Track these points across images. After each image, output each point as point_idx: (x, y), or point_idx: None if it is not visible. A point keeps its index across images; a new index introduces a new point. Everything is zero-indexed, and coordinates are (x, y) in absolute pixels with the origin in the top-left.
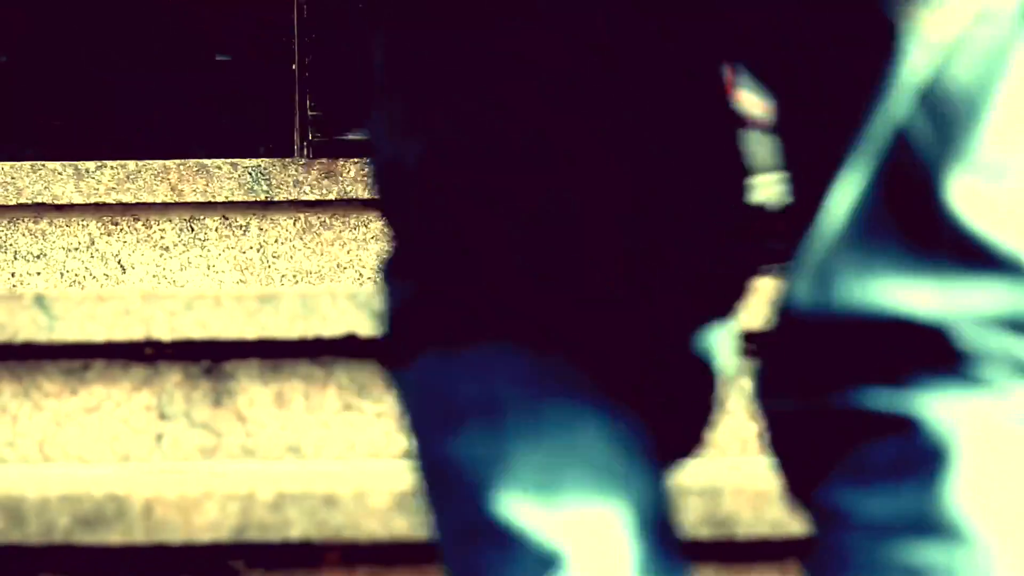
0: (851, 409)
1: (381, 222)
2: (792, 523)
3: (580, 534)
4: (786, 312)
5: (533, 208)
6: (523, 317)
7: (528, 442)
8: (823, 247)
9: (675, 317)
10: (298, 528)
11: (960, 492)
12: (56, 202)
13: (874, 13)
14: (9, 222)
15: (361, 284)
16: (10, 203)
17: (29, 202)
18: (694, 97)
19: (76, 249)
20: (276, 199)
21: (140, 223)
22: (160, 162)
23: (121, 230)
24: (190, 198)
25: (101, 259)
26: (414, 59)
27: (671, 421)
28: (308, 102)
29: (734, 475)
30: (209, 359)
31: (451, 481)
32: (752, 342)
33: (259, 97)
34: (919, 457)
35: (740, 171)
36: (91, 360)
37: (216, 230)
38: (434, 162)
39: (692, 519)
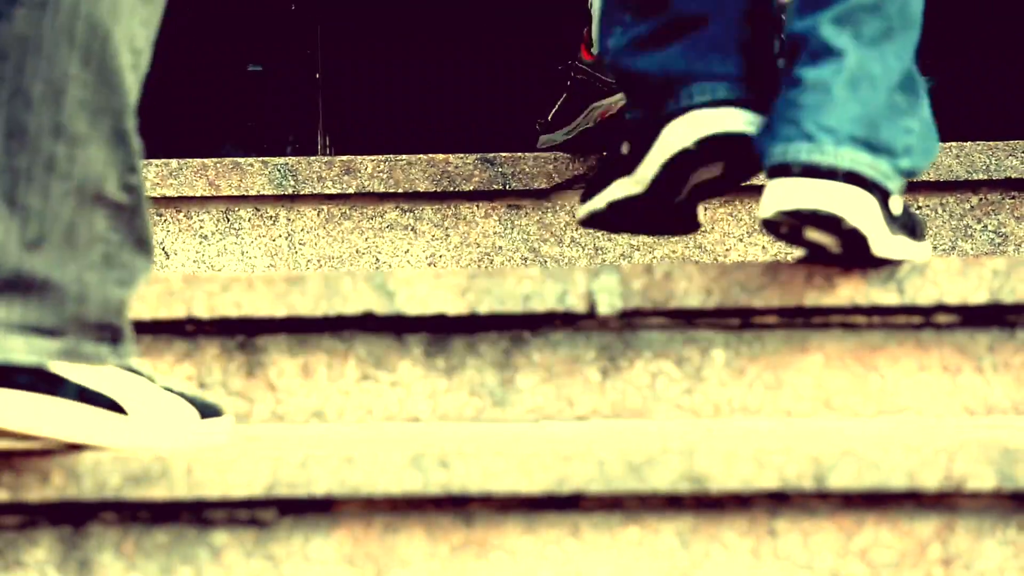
0: None
1: (395, 213)
2: (759, 479)
3: None
4: None
5: None
6: None
7: None
8: None
9: None
10: (322, 485)
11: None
12: None
13: None
14: None
15: (377, 268)
16: None
17: None
18: None
19: None
20: (302, 193)
21: (182, 214)
22: (199, 160)
23: (165, 220)
24: (226, 192)
25: None
26: None
27: None
28: (329, 107)
29: (708, 437)
30: (243, 335)
31: None
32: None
33: (286, 103)
34: None
35: None
36: (139, 335)
37: (249, 220)
38: None
39: (671, 477)
